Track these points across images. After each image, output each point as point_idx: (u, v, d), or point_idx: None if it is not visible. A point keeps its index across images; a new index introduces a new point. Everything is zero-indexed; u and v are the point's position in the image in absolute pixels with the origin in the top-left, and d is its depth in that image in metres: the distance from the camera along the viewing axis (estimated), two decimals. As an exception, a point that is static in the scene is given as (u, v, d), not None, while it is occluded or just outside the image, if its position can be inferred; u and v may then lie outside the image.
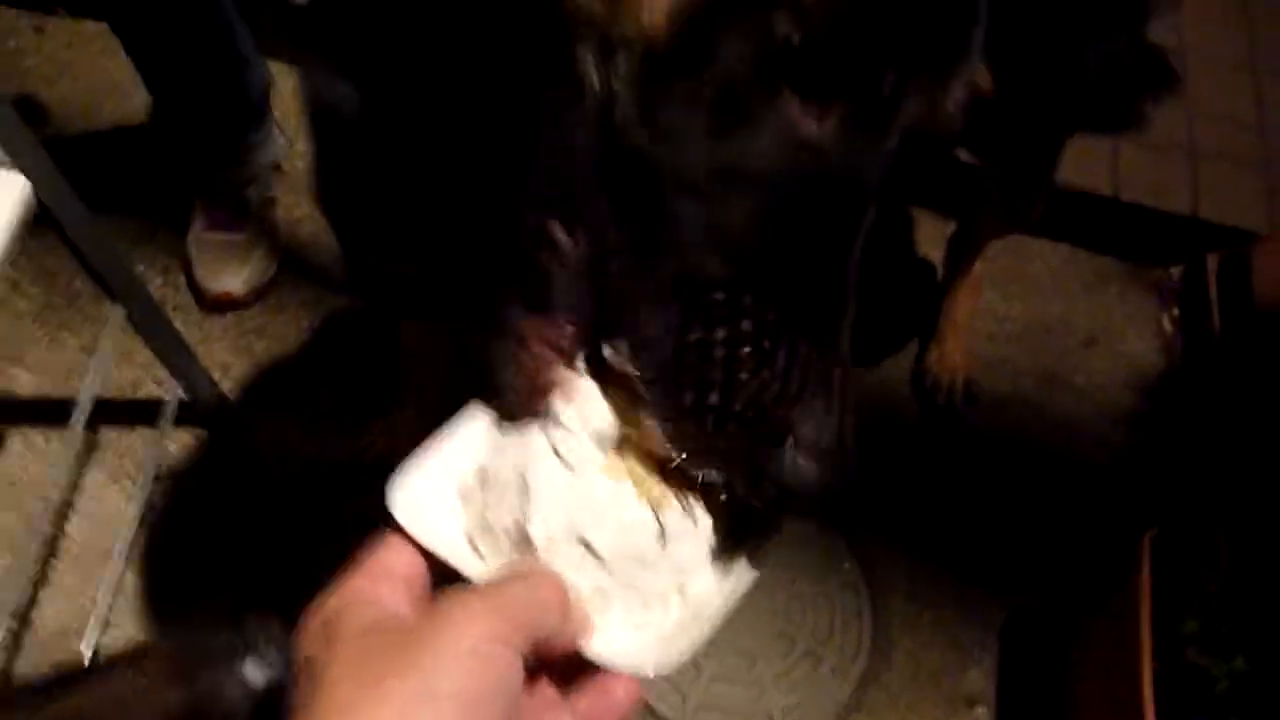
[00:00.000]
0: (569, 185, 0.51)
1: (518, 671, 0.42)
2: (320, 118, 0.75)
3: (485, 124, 0.54)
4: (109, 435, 1.59)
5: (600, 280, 0.51)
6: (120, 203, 1.77)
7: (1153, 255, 1.98)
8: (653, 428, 0.50)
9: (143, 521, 1.52)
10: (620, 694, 0.48)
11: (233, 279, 1.68)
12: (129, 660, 0.57)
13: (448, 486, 0.52)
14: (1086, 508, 1.71)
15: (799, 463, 0.48)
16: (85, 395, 1.33)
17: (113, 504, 1.54)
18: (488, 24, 0.53)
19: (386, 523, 0.49)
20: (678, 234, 0.49)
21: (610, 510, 0.50)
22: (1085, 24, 1.16)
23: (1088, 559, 1.63)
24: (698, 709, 1.49)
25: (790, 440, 0.48)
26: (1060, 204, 1.63)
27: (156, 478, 1.55)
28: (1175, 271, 1.98)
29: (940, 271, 1.87)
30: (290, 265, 1.76)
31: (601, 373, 0.52)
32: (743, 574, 0.53)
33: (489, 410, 0.53)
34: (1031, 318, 1.90)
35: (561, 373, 0.51)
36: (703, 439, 0.49)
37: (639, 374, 0.50)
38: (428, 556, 0.49)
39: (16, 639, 1.44)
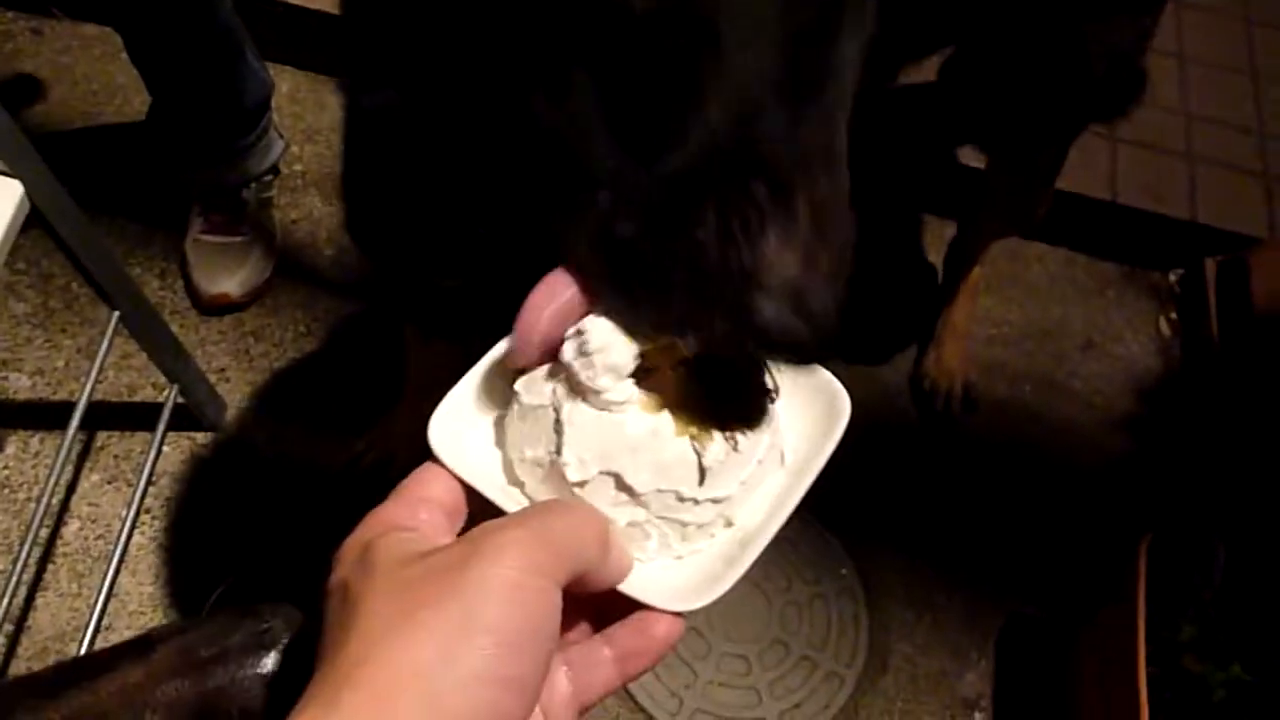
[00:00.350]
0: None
1: (557, 604, 0.41)
2: (361, 126, 0.74)
3: (521, 128, 0.54)
4: (106, 439, 1.59)
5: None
6: (118, 205, 1.77)
7: (1151, 259, 1.98)
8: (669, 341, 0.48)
9: (139, 525, 1.53)
10: (662, 631, 0.47)
11: (229, 281, 1.68)
12: (136, 653, 0.53)
13: (484, 419, 0.52)
14: (1084, 512, 1.71)
15: (770, 303, 0.45)
16: (82, 399, 1.33)
17: (109, 508, 1.54)
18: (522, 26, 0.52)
19: (406, 447, 0.48)
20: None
21: (647, 448, 0.49)
22: (1089, 14, 1.16)
23: (1085, 563, 1.63)
24: (694, 714, 1.49)
25: (764, 283, 0.45)
26: (1058, 208, 1.63)
27: (153, 481, 1.55)
28: (1173, 276, 1.98)
29: (939, 275, 1.87)
30: (287, 267, 1.76)
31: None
32: (791, 494, 0.51)
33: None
34: (1029, 322, 1.90)
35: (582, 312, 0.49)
36: (668, 300, 0.46)
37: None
38: (465, 490, 0.48)
39: (12, 643, 1.44)
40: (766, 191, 0.45)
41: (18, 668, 1.44)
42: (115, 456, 1.58)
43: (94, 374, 1.34)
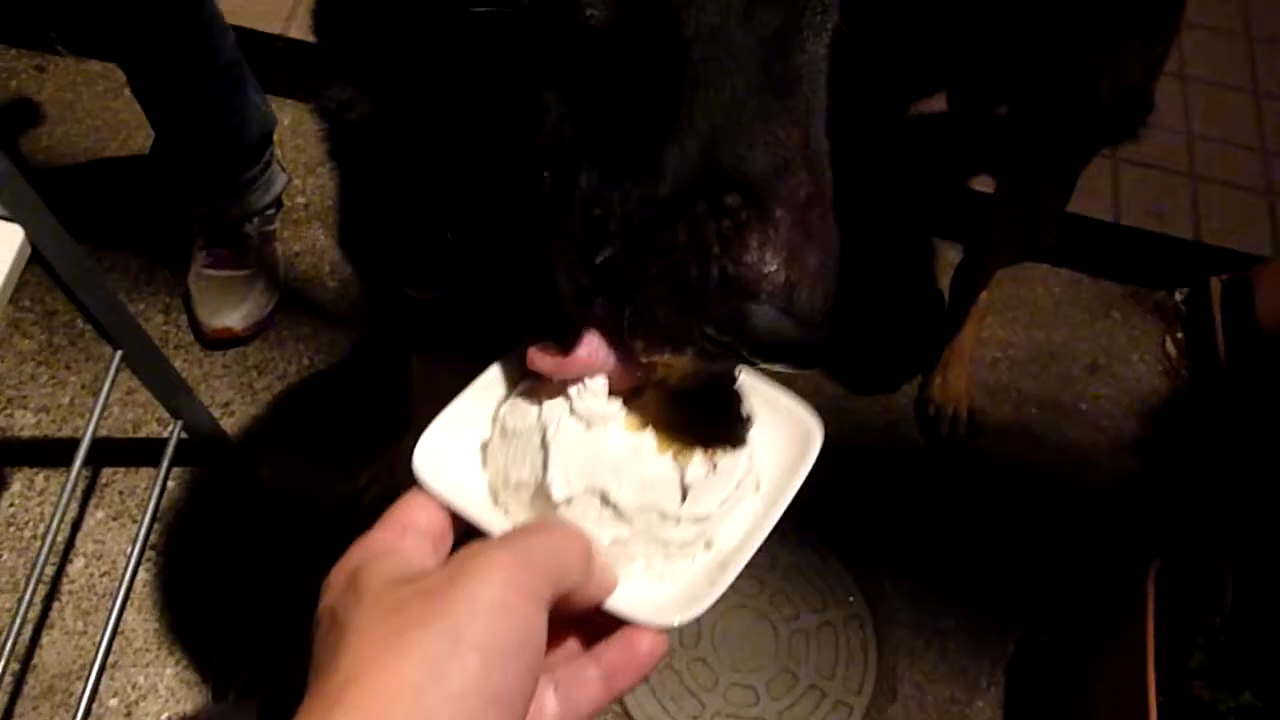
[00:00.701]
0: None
1: (542, 623, 0.42)
2: (338, 135, 0.74)
3: (501, 137, 0.54)
4: (111, 475, 1.59)
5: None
6: (122, 240, 1.78)
7: (1155, 279, 1.98)
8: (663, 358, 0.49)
9: (144, 562, 1.53)
10: (645, 647, 0.48)
11: (233, 315, 1.68)
12: None
13: (469, 444, 0.53)
14: (1092, 536, 1.70)
15: (756, 307, 0.45)
16: (86, 435, 1.33)
17: (114, 544, 1.55)
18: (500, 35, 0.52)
19: (411, 480, 0.49)
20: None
21: (630, 465, 0.50)
22: (1102, 45, 1.16)
23: (1094, 588, 1.62)
24: (702, 745, 1.48)
25: (748, 289, 0.45)
26: (1062, 229, 1.63)
27: (158, 517, 1.55)
28: (1178, 295, 1.97)
29: (945, 299, 1.86)
30: (290, 301, 1.76)
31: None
32: (766, 519, 0.53)
33: (509, 368, 0.54)
34: (1035, 344, 1.90)
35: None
36: (658, 308, 0.46)
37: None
38: (451, 513, 0.49)
39: (19, 681, 1.44)
40: (741, 200, 0.45)
41: (24, 706, 1.43)
42: (120, 492, 1.58)
43: (98, 410, 1.34)
